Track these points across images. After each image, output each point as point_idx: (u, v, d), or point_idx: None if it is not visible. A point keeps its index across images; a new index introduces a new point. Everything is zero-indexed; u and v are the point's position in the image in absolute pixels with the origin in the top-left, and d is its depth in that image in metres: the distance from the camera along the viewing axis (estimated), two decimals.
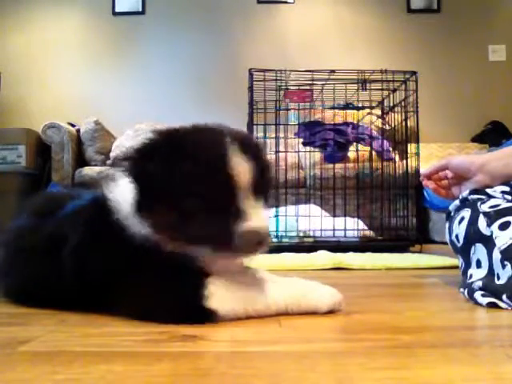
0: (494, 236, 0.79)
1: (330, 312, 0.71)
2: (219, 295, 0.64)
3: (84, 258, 0.69)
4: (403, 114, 2.22)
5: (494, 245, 0.78)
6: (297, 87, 2.23)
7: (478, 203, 0.86)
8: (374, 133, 2.64)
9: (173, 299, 0.64)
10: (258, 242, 0.64)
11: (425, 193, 2.68)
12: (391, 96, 2.27)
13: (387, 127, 2.51)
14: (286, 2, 4.08)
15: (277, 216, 2.16)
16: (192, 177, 0.62)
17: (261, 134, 2.20)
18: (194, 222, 0.63)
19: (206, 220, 0.63)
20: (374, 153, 2.49)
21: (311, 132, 2.73)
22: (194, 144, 0.64)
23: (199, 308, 0.63)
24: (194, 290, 0.64)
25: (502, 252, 0.76)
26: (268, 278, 0.74)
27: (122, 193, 0.68)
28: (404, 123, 2.22)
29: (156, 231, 0.65)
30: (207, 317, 0.64)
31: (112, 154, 3.36)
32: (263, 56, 3.87)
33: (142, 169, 0.64)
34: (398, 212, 2.26)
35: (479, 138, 3.81)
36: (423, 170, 1.13)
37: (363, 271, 1.39)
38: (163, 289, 0.65)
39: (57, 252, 0.71)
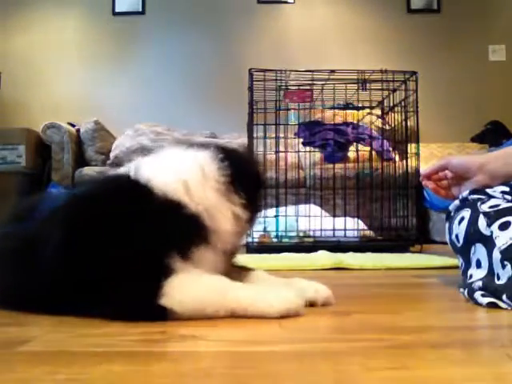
0: (493, 236, 0.79)
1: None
2: (176, 294, 0.65)
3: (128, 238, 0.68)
4: (403, 114, 2.22)
5: (494, 245, 0.78)
6: (297, 87, 2.23)
7: (478, 203, 0.86)
8: (374, 133, 2.64)
9: (127, 295, 0.65)
10: None
11: (425, 193, 2.68)
12: (391, 96, 2.27)
13: (387, 127, 2.51)
14: (286, 2, 4.08)
15: (277, 216, 2.16)
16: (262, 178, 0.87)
17: (261, 134, 2.20)
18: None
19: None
20: (373, 153, 2.49)
21: (311, 132, 2.73)
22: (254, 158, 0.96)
23: (152, 305, 0.64)
24: (149, 287, 0.65)
25: (501, 252, 0.76)
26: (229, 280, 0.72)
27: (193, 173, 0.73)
28: (404, 123, 2.22)
29: (241, 209, 0.75)
30: (160, 315, 0.64)
31: (112, 154, 3.35)
32: (263, 56, 3.87)
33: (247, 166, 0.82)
34: (398, 212, 2.26)
35: (479, 138, 3.81)
36: (423, 170, 1.13)
37: (363, 271, 1.39)
38: (122, 284, 0.66)
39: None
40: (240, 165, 0.77)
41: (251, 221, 0.78)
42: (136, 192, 0.70)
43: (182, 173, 0.72)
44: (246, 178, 0.76)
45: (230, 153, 0.78)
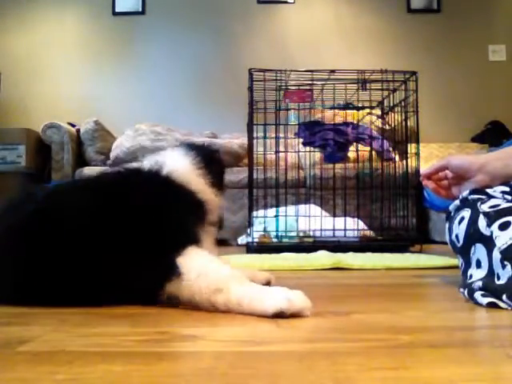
0: (494, 236, 0.79)
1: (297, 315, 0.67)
2: (191, 260, 0.73)
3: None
4: (403, 114, 2.22)
5: (494, 245, 0.78)
6: (297, 87, 2.23)
7: (478, 203, 0.86)
8: (374, 133, 2.64)
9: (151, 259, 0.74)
10: None
11: (425, 193, 2.68)
12: (391, 96, 2.27)
13: (387, 127, 2.51)
14: (286, 2, 4.08)
15: (277, 216, 2.16)
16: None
17: (261, 134, 2.20)
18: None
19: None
20: (374, 153, 2.49)
21: (311, 132, 2.73)
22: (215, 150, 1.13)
23: (168, 263, 0.72)
24: (174, 252, 0.74)
25: (501, 252, 0.76)
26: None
27: (180, 164, 0.94)
28: (404, 123, 2.22)
29: (211, 187, 0.95)
30: (171, 274, 0.71)
31: (112, 154, 3.36)
32: (263, 56, 3.87)
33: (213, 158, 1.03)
34: (398, 212, 2.26)
35: (479, 138, 3.81)
36: (423, 169, 1.13)
37: (363, 271, 1.39)
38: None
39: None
40: (206, 156, 1.00)
41: (221, 196, 1.00)
42: (167, 183, 0.89)
43: (186, 168, 0.94)
44: (212, 166, 0.99)
45: (198, 148, 1.02)
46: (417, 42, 4.01)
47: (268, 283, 0.97)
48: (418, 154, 2.19)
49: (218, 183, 0.98)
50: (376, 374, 0.44)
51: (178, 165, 0.94)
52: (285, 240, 2.14)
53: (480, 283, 0.79)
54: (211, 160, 1.01)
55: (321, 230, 2.14)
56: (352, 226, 2.19)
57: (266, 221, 2.17)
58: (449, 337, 0.60)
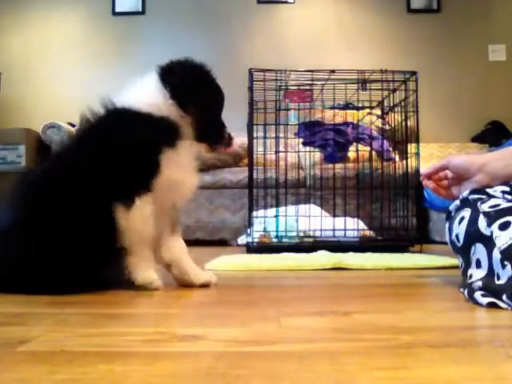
0: (494, 236, 0.78)
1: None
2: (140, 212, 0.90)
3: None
4: (403, 114, 2.22)
5: (494, 245, 0.78)
6: (297, 87, 2.23)
7: (478, 203, 0.86)
8: (374, 133, 2.64)
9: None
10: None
11: (425, 193, 2.67)
12: (391, 96, 2.27)
13: (387, 127, 2.50)
14: (286, 2, 4.08)
15: (277, 216, 2.16)
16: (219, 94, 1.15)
17: (261, 134, 2.20)
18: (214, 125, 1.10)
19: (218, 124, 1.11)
20: (374, 153, 2.49)
21: (311, 132, 2.73)
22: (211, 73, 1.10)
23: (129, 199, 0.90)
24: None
25: (501, 252, 0.76)
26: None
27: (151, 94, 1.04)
28: (404, 123, 2.22)
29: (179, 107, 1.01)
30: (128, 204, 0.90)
31: None
32: (263, 56, 3.87)
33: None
34: (397, 212, 2.26)
35: (479, 138, 3.81)
36: (423, 169, 1.13)
37: (363, 271, 1.39)
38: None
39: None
40: (177, 74, 1.04)
41: (196, 122, 1.04)
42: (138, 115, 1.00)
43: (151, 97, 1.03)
44: (185, 91, 1.03)
45: (171, 74, 1.04)
46: (417, 41, 4.01)
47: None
48: (418, 154, 2.19)
49: (191, 109, 1.03)
50: (376, 374, 0.44)
51: (140, 93, 1.03)
52: (285, 240, 2.14)
53: (480, 283, 0.79)
54: (184, 77, 1.04)
55: (321, 230, 2.14)
56: (352, 226, 2.19)
57: (266, 221, 2.17)
58: (449, 337, 0.60)
